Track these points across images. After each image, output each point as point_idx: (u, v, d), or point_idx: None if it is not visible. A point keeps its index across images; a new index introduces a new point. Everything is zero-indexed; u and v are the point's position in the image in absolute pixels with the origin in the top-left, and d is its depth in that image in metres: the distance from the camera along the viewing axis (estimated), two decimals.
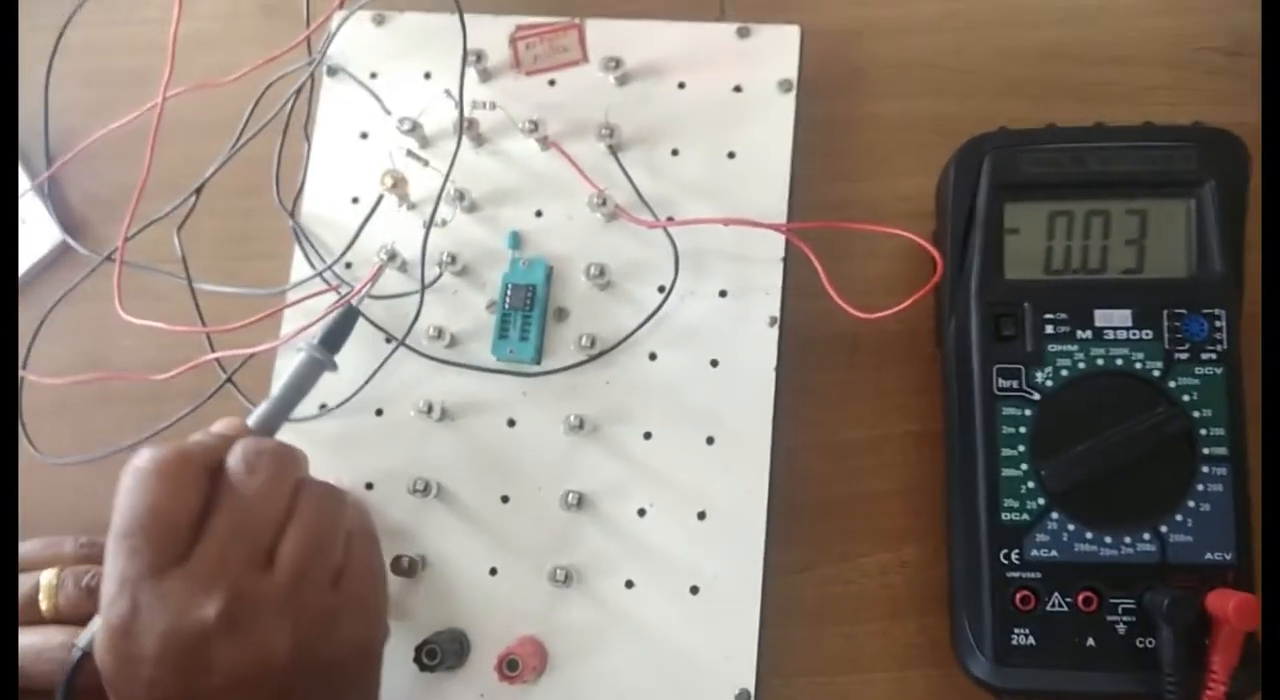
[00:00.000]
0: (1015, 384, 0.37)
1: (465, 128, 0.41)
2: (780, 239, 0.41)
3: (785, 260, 0.41)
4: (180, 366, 0.40)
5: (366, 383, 0.41)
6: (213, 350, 0.42)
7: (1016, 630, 0.36)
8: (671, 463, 0.40)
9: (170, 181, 0.44)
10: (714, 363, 0.40)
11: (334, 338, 0.37)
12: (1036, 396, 0.37)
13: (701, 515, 0.39)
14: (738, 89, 0.43)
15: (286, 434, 0.36)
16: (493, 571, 0.39)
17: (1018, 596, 0.36)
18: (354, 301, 0.38)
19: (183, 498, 0.30)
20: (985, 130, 0.40)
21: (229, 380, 0.43)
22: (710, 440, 0.40)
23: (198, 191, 0.43)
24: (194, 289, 0.43)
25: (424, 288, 0.40)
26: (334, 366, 0.37)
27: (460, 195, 0.42)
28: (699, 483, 0.39)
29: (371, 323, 0.41)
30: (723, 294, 0.41)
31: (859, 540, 0.41)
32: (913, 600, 0.40)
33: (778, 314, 0.40)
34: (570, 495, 0.39)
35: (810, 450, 0.41)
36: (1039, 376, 0.37)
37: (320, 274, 0.42)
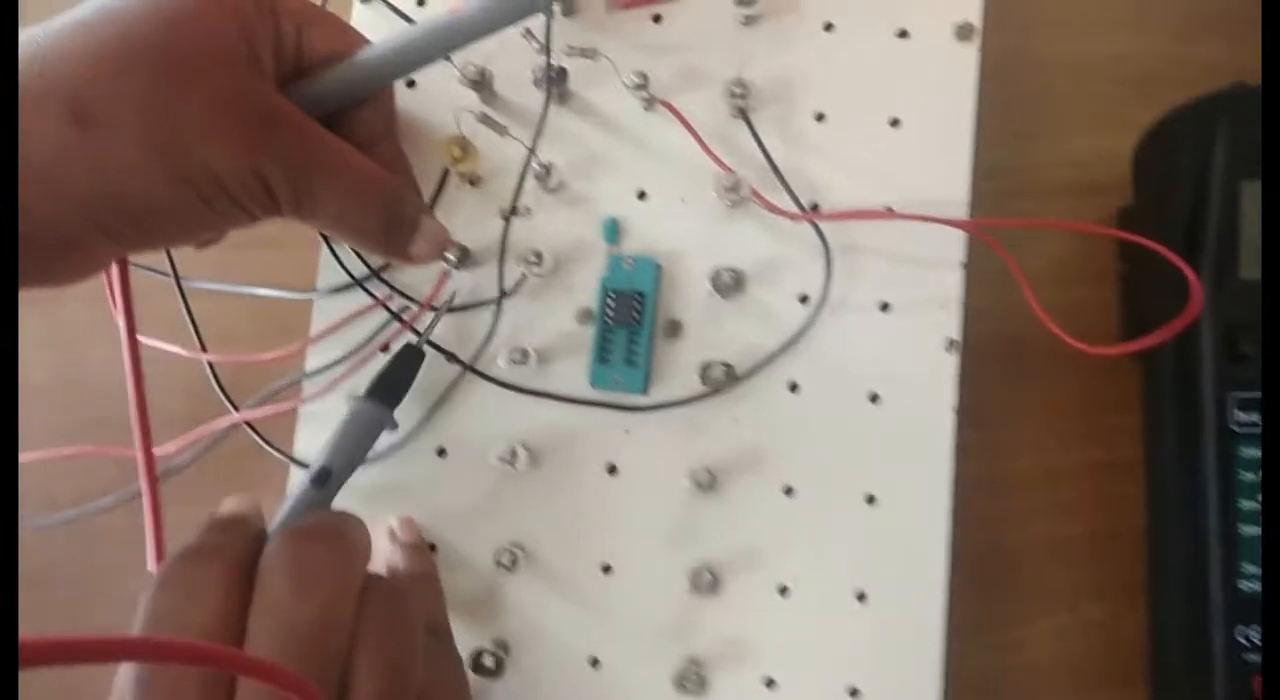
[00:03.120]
0: (1258, 418, 0.30)
1: (554, 80, 0.31)
2: (959, 236, 0.32)
3: (967, 265, 0.32)
4: (176, 392, 0.31)
5: (425, 419, 0.31)
6: (215, 378, 0.32)
7: None
8: (821, 527, 0.31)
9: None
10: (874, 397, 0.32)
11: (393, 387, 0.28)
12: None
13: (861, 596, 0.31)
14: (903, 34, 0.33)
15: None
16: (594, 662, 0.31)
17: (1256, 682, 0.29)
18: (413, 341, 0.29)
19: (205, 615, 0.22)
20: (1169, 75, 0.32)
21: (261, 440, 0.33)
22: (870, 499, 0.31)
23: None
24: (183, 289, 0.33)
25: (502, 296, 0.30)
26: (394, 424, 0.28)
27: (545, 171, 0.31)
28: (857, 553, 0.31)
29: (434, 345, 0.32)
30: (884, 307, 0.32)
31: (1031, 598, 0.34)
32: (1100, 671, 0.34)
33: (957, 335, 0.31)
34: (704, 573, 0.30)
35: (965, 485, 0.33)
36: None
37: (361, 283, 0.32)
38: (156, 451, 0.30)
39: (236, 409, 0.33)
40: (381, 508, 0.32)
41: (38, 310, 0.36)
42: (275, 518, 0.29)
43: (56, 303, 0.36)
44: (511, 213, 0.30)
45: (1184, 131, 0.32)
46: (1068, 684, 0.34)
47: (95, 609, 0.35)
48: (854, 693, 0.30)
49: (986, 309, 0.32)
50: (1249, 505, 0.30)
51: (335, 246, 0.32)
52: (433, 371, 0.32)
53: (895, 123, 0.33)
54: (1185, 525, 0.31)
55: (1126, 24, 0.37)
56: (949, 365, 0.31)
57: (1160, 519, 0.32)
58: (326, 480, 0.27)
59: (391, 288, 0.32)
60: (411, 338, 0.30)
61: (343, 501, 0.27)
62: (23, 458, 0.33)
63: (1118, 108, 0.35)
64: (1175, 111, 0.32)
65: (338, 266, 0.32)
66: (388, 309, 0.32)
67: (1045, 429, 0.35)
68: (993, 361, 0.34)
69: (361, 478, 0.31)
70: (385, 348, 0.32)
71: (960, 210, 0.32)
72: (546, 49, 0.30)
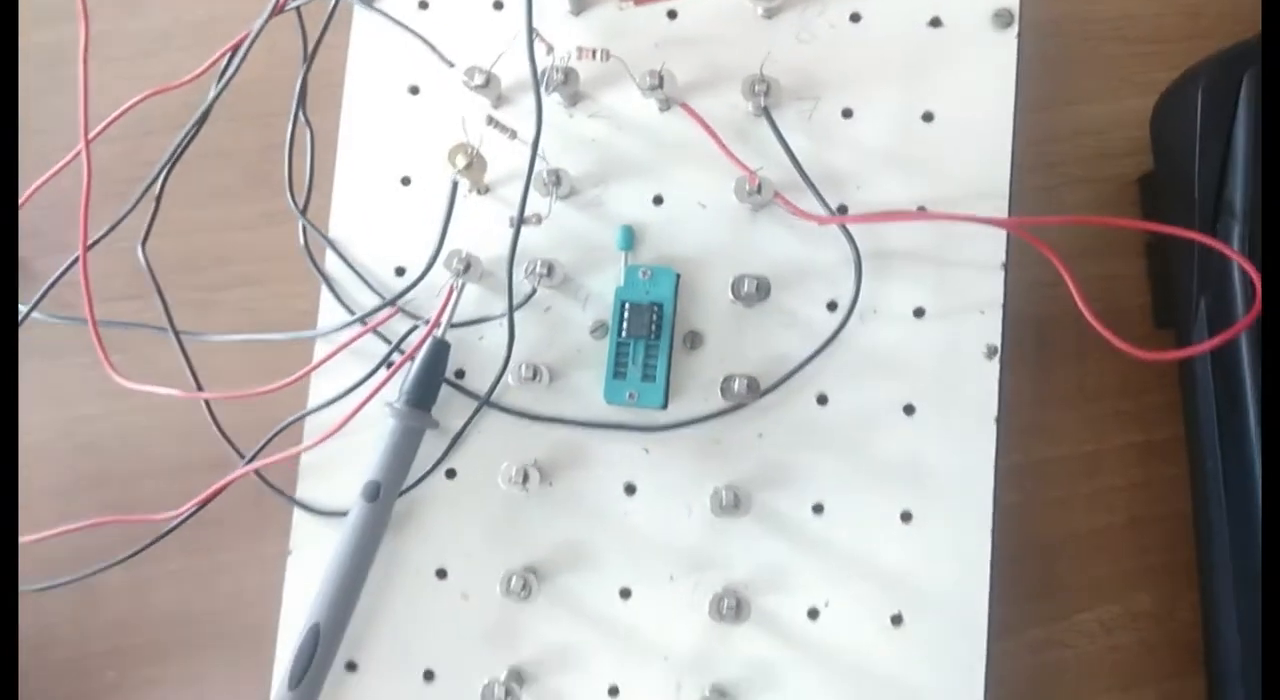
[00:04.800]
0: None
1: (561, 83, 0.30)
2: (1000, 236, 0.30)
3: (1007, 266, 0.30)
4: (173, 441, 0.31)
5: (444, 457, 0.30)
6: (214, 419, 0.32)
7: None
8: (854, 546, 0.29)
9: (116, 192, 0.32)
10: (909, 409, 0.30)
11: (426, 388, 0.28)
12: None
13: (897, 619, 0.29)
14: (935, 23, 0.31)
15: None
16: (613, 692, 0.29)
17: None
18: (438, 334, 0.28)
19: None
20: (1184, 29, 0.30)
21: (269, 485, 0.32)
22: (906, 516, 0.29)
23: (157, 198, 0.32)
24: (178, 334, 0.32)
25: (512, 310, 0.29)
26: (435, 424, 0.29)
27: (555, 177, 0.30)
28: (892, 574, 0.29)
29: (451, 383, 0.31)
30: (919, 313, 0.30)
31: (1074, 591, 0.33)
32: (1151, 662, 0.32)
33: (999, 341, 0.29)
34: (725, 599, 0.28)
35: (998, 478, 0.31)
36: None
37: (395, 302, 0.30)
38: (157, 516, 0.30)
39: (241, 455, 0.32)
40: (391, 532, 0.30)
41: (32, 365, 0.35)
42: (337, 541, 0.29)
43: (52, 359, 0.35)
44: (521, 221, 0.28)
45: (1203, 89, 0.30)
46: (1120, 678, 0.32)
47: (96, 668, 0.34)
48: None
49: (1009, 289, 0.30)
50: None
51: (320, 269, 0.31)
52: (447, 401, 0.30)
53: (929, 117, 0.31)
54: (1232, 506, 0.29)
55: None
56: (990, 373, 0.29)
57: (1204, 499, 0.30)
58: (377, 494, 0.28)
59: (402, 310, 0.31)
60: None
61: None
62: (32, 537, 0.32)
63: (1133, 69, 0.33)
64: (1192, 69, 0.30)
65: (337, 304, 0.31)
66: (381, 336, 0.30)
67: (1079, 413, 0.33)
68: (1018, 344, 0.32)
69: None
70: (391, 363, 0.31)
71: (1000, 207, 0.30)
72: (550, 50, 0.28)
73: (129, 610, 0.35)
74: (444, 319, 0.29)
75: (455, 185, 0.30)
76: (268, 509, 0.32)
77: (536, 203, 0.30)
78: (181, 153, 0.33)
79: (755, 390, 0.29)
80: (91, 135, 0.32)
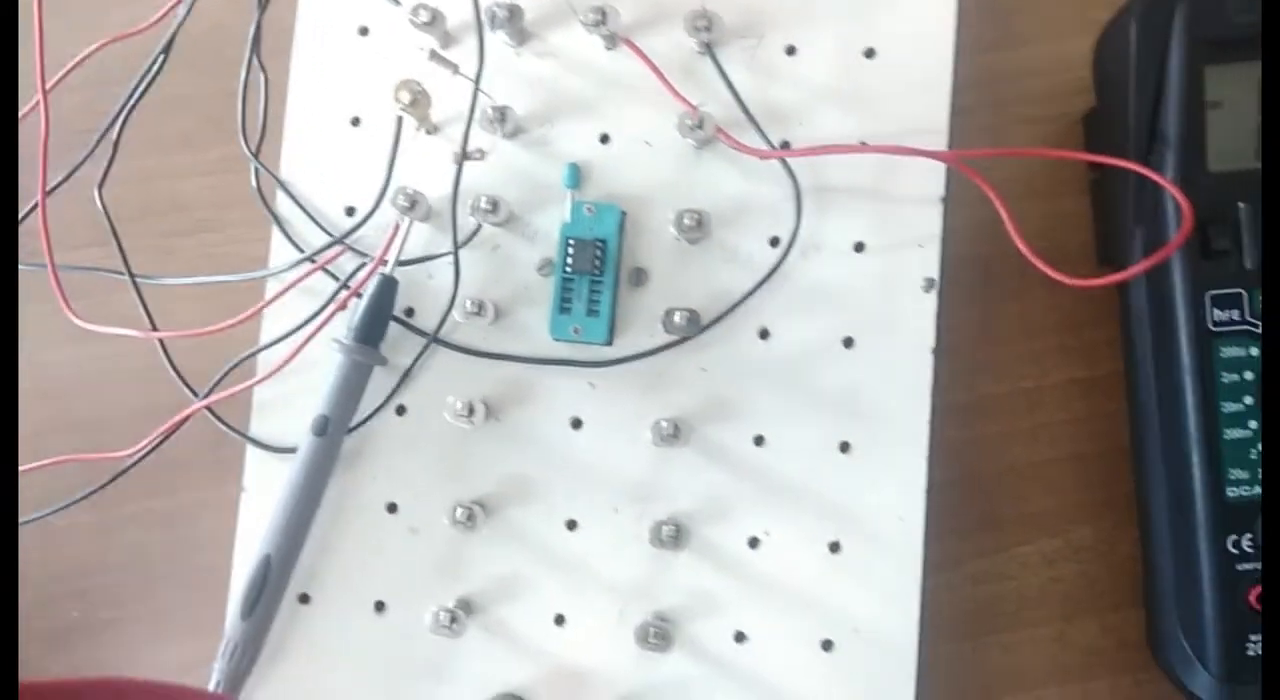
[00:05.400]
0: (1236, 314, 0.29)
1: (506, 19, 0.30)
2: (939, 170, 0.30)
3: (946, 200, 0.30)
4: (133, 385, 0.31)
5: (393, 394, 0.31)
6: (169, 359, 0.32)
7: (1253, 637, 0.28)
8: (793, 476, 0.30)
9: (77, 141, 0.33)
10: (848, 341, 0.30)
11: (374, 323, 0.28)
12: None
13: (835, 547, 0.29)
14: None
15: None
16: (559, 620, 0.30)
17: (1252, 594, 0.28)
18: (384, 270, 0.28)
19: None
20: None
21: (221, 423, 0.32)
22: (845, 446, 0.30)
23: (115, 143, 0.33)
24: (134, 276, 0.32)
25: (456, 246, 0.29)
26: (383, 360, 0.29)
27: (500, 115, 0.30)
28: (830, 503, 0.30)
29: (399, 320, 0.31)
30: (859, 248, 0.30)
31: (1015, 525, 0.33)
32: (1090, 595, 0.33)
33: (936, 275, 0.30)
34: (664, 526, 0.29)
35: (939, 412, 0.31)
36: None
37: (342, 241, 0.31)
38: (115, 454, 0.31)
39: (195, 394, 0.32)
40: (342, 468, 0.31)
41: None
42: (287, 474, 0.29)
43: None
44: (464, 156, 0.28)
45: (1137, 20, 0.30)
46: (1061, 610, 0.33)
47: (60, 608, 0.35)
48: (827, 644, 0.29)
49: (952, 228, 0.30)
50: (1232, 407, 0.29)
51: (272, 211, 0.32)
52: (398, 340, 0.31)
53: (870, 53, 0.31)
54: (1171, 435, 0.29)
55: None
56: (928, 305, 0.30)
57: (1143, 431, 0.31)
58: (325, 428, 0.29)
59: (350, 248, 0.31)
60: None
61: None
62: None
63: (1077, 8, 0.33)
64: (1129, 3, 0.30)
65: (288, 243, 0.32)
66: (331, 274, 0.31)
67: (1018, 350, 0.34)
68: (962, 283, 0.33)
69: None
70: (344, 307, 0.31)
71: (939, 142, 0.30)
72: None
73: (92, 551, 0.35)
74: (390, 256, 0.30)
75: (400, 122, 0.30)
76: (227, 451, 0.32)
77: (483, 140, 0.31)
78: (139, 99, 0.34)
79: (696, 323, 0.30)
80: (49, 85, 0.32)
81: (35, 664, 0.35)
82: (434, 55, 0.29)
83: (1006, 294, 0.34)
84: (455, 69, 0.29)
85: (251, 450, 0.31)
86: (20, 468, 0.33)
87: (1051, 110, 0.34)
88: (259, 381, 0.30)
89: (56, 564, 0.35)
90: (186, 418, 0.32)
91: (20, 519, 0.33)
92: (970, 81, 0.33)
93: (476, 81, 0.28)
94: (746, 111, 0.30)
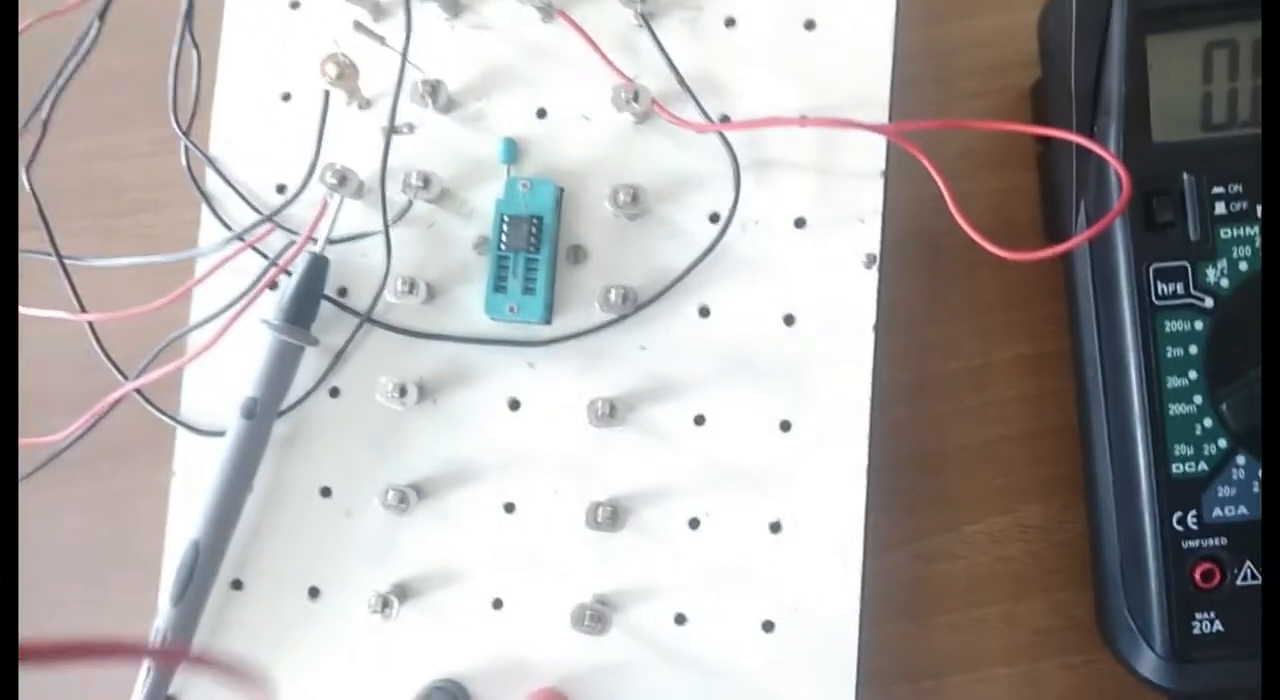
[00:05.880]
0: (1180, 287, 0.28)
1: None
2: (879, 144, 0.29)
3: (886, 174, 0.29)
4: (65, 370, 0.31)
5: (326, 375, 0.30)
6: (98, 342, 0.31)
7: (1198, 615, 0.28)
8: (733, 456, 0.29)
9: None
10: (788, 319, 0.30)
11: (304, 303, 0.28)
12: (1209, 302, 0.28)
13: (775, 526, 0.29)
14: None
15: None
16: (497, 604, 0.30)
17: (1198, 571, 0.28)
18: (313, 248, 0.28)
19: None
20: None
21: (151, 405, 0.32)
22: (785, 425, 0.29)
23: (44, 122, 0.32)
24: (62, 258, 0.32)
25: (386, 223, 0.29)
26: (314, 341, 0.28)
27: (432, 89, 0.30)
28: (771, 483, 0.29)
29: (331, 300, 0.30)
30: (800, 223, 0.30)
31: (963, 504, 0.33)
32: (1039, 574, 0.32)
33: (877, 250, 0.29)
34: (600, 507, 0.29)
35: (885, 393, 0.31)
36: (1211, 275, 0.28)
37: (270, 218, 0.30)
38: (49, 438, 0.30)
39: (125, 376, 0.31)
40: (275, 452, 0.30)
41: None
42: (216, 458, 0.28)
43: None
44: (392, 130, 0.28)
45: None
46: (1010, 590, 0.32)
47: None
48: (768, 626, 0.29)
49: (899, 204, 0.30)
50: (1176, 383, 0.28)
51: (202, 190, 0.31)
52: (332, 321, 0.30)
53: (810, 25, 0.30)
54: (1116, 411, 0.29)
55: None
56: (868, 282, 0.29)
57: (1088, 407, 0.30)
58: (254, 411, 0.28)
59: (279, 226, 0.30)
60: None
61: None
62: None
63: None
64: None
65: (218, 223, 0.31)
66: (260, 252, 0.30)
67: (966, 326, 0.33)
68: (909, 259, 0.32)
69: None
70: (274, 286, 0.30)
71: (880, 116, 0.30)
72: None
73: (34, 537, 0.35)
74: (319, 233, 0.29)
75: (328, 96, 0.29)
76: (164, 434, 0.32)
77: (415, 114, 0.30)
78: (70, 77, 0.33)
79: (632, 301, 0.29)
80: None
81: None
82: (359, 27, 0.28)
83: (955, 270, 0.33)
84: (382, 41, 0.29)
85: (182, 433, 0.31)
86: None
87: (999, 82, 0.33)
88: (184, 363, 0.29)
89: None
90: (117, 401, 0.31)
91: None
92: (917, 53, 0.33)
93: (404, 54, 0.28)
94: (684, 84, 0.30)
